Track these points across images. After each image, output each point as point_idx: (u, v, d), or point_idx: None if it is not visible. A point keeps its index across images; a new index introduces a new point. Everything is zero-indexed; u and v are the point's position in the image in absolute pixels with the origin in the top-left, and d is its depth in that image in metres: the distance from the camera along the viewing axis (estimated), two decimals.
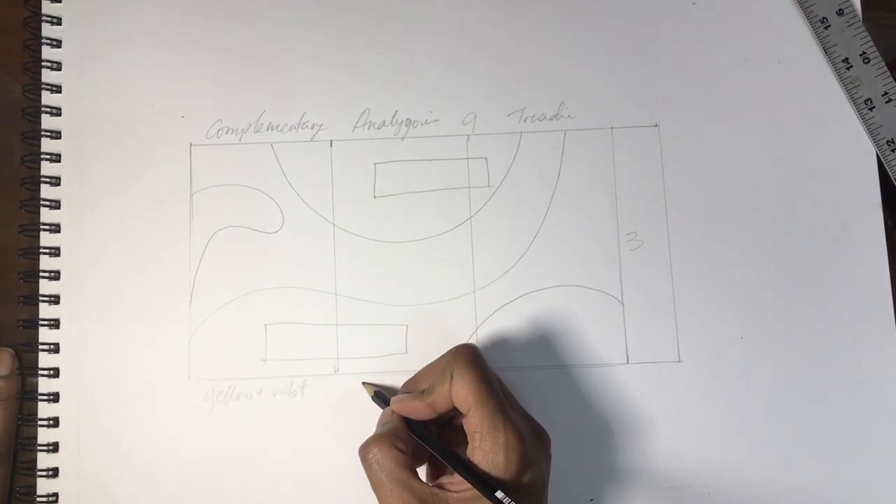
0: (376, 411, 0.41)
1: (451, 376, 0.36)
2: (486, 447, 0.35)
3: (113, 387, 0.42)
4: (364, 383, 0.42)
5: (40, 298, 0.43)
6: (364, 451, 0.36)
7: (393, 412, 0.38)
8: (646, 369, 0.43)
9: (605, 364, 0.43)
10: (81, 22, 0.45)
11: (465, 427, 0.36)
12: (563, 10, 0.45)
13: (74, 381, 0.42)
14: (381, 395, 0.41)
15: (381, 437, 0.36)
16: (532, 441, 0.36)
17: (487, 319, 0.43)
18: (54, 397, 0.42)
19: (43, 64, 0.44)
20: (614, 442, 0.42)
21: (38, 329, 0.43)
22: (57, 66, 0.44)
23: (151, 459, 0.42)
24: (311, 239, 0.43)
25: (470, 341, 0.43)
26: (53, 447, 0.42)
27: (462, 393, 0.35)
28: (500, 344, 0.43)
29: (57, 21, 0.45)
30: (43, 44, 0.45)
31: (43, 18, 0.45)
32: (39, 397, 0.42)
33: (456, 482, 0.35)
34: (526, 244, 0.43)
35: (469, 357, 0.36)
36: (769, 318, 0.43)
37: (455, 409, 0.37)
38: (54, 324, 0.43)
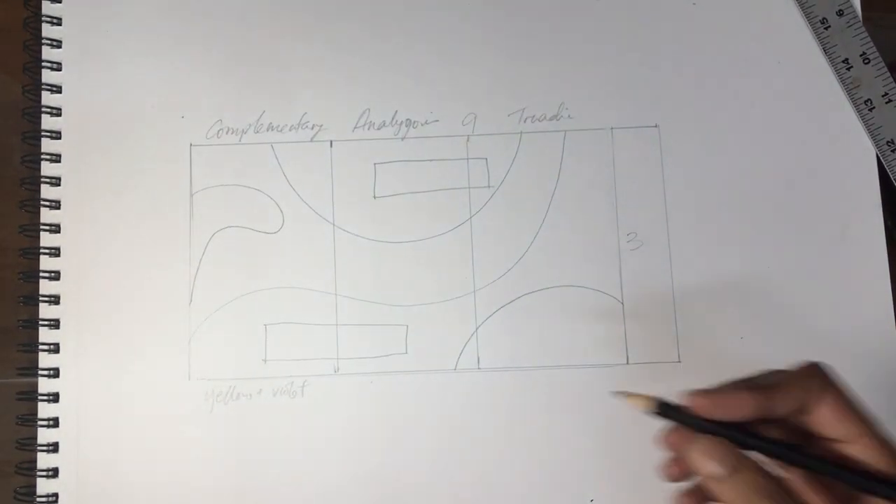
0: (376, 412, 0.41)
1: (819, 389, 0.31)
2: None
3: (113, 387, 0.42)
4: (630, 394, 0.32)
5: (40, 298, 0.43)
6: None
7: (734, 451, 0.29)
8: (646, 369, 0.43)
9: (605, 364, 0.43)
10: (81, 22, 0.45)
11: (831, 452, 0.30)
12: (563, 11, 0.45)
13: (74, 381, 0.42)
14: (669, 407, 0.31)
15: (747, 460, 0.29)
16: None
17: (487, 319, 0.43)
18: (54, 397, 0.42)
19: (43, 64, 0.44)
20: (614, 442, 0.42)
21: (38, 329, 0.43)
22: (57, 66, 0.44)
23: (151, 459, 0.42)
24: (311, 239, 0.43)
25: (470, 342, 0.43)
26: (53, 447, 0.42)
27: (844, 415, 0.30)
28: (500, 344, 0.43)
29: (57, 21, 0.45)
30: (43, 44, 0.44)
31: (43, 18, 0.45)
32: (39, 397, 0.42)
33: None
34: (526, 244, 0.43)
35: (837, 379, 0.31)
36: (769, 319, 0.43)
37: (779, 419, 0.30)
38: (54, 324, 0.43)
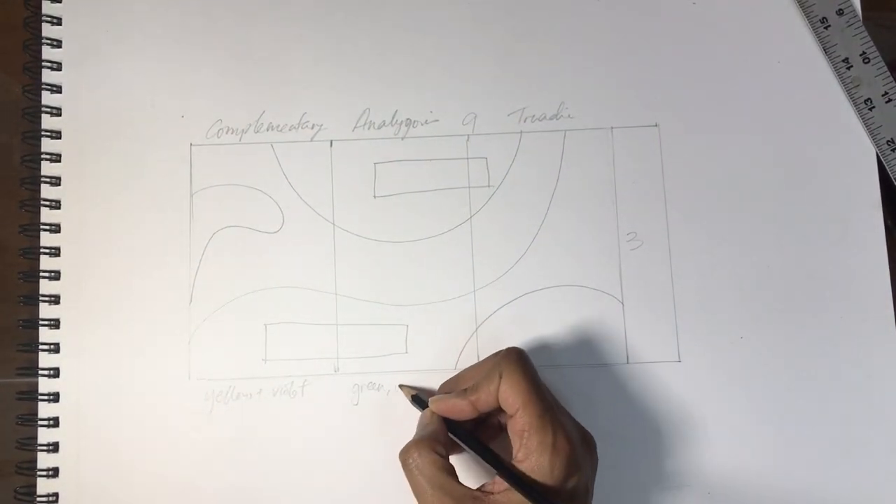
0: (375, 411, 0.41)
1: (500, 376, 0.36)
2: (533, 447, 0.34)
3: (113, 387, 0.42)
4: (401, 386, 0.42)
5: (40, 298, 0.43)
6: (404, 455, 0.36)
7: (432, 414, 0.38)
8: (646, 369, 0.43)
9: (605, 364, 0.43)
10: (81, 22, 0.45)
11: (510, 428, 0.36)
12: (563, 10, 0.45)
13: (74, 381, 0.42)
14: (420, 399, 0.40)
15: (421, 442, 0.36)
16: (580, 444, 0.36)
17: (487, 319, 0.43)
18: (54, 397, 0.42)
19: (43, 64, 0.44)
20: (613, 442, 0.42)
21: (38, 329, 0.43)
22: (57, 66, 0.44)
23: (151, 459, 0.42)
24: (311, 239, 0.43)
25: (470, 342, 0.43)
26: (53, 447, 0.42)
27: (511, 392, 0.35)
28: (500, 344, 0.42)
29: (57, 21, 0.45)
30: (43, 44, 0.45)
31: (43, 18, 0.45)
32: (39, 397, 0.42)
33: (497, 484, 0.35)
34: (526, 244, 0.43)
35: (518, 358, 0.36)
36: (769, 318, 0.43)
37: (496, 411, 0.37)
38: (54, 324, 0.43)
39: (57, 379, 0.42)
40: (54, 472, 0.42)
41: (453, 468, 0.36)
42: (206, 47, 0.45)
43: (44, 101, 0.44)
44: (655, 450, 0.42)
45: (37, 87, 0.44)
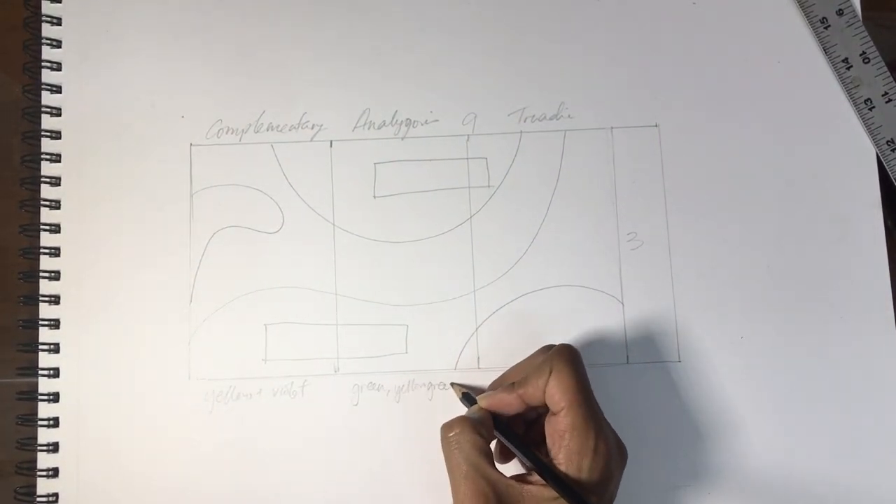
0: (375, 411, 0.41)
1: (550, 371, 0.35)
2: (574, 448, 0.34)
3: (113, 387, 0.42)
4: (453, 384, 0.42)
5: (40, 298, 0.43)
6: (446, 429, 0.36)
7: (479, 409, 0.37)
8: (646, 369, 0.43)
9: (605, 364, 0.43)
10: (81, 22, 0.45)
11: (550, 426, 0.35)
12: (563, 11, 0.45)
13: (74, 381, 0.42)
14: (470, 397, 0.40)
15: (465, 419, 0.36)
16: (616, 453, 0.35)
17: (487, 319, 0.43)
18: (54, 397, 0.42)
19: (43, 64, 0.44)
20: None
21: (38, 329, 0.43)
22: (57, 66, 0.44)
23: (151, 459, 0.42)
24: (311, 239, 0.43)
25: (470, 341, 0.43)
26: (53, 447, 0.42)
27: (558, 390, 0.35)
28: (500, 344, 0.43)
29: (57, 21, 0.45)
30: (43, 44, 0.45)
31: (43, 18, 0.45)
32: (39, 397, 0.42)
33: (531, 478, 0.35)
34: (526, 244, 0.43)
35: (570, 356, 0.36)
36: (769, 318, 0.43)
37: (542, 408, 0.36)
38: (54, 324, 0.43)
39: (57, 379, 0.42)
40: (54, 472, 0.42)
41: (491, 453, 0.35)
42: (206, 47, 0.45)
43: (44, 101, 0.44)
44: (655, 450, 0.42)
45: (37, 87, 0.44)
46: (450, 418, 0.37)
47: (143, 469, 0.42)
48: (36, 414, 0.42)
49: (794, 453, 0.42)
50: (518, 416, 0.38)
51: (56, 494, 0.42)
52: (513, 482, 0.34)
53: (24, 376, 0.43)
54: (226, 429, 0.42)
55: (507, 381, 0.38)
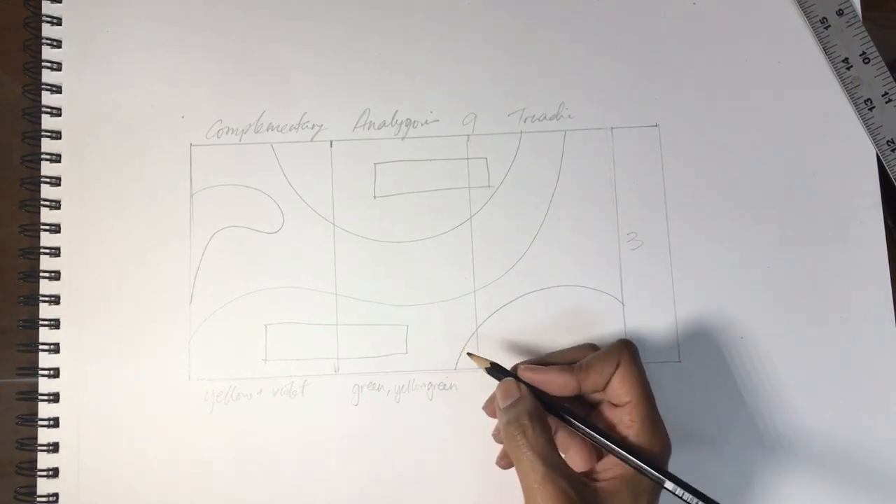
0: (375, 411, 0.41)
1: (618, 364, 0.36)
2: (645, 440, 0.34)
3: (113, 387, 0.42)
4: (470, 354, 0.39)
5: (40, 298, 0.43)
6: (513, 428, 0.34)
7: (517, 385, 0.36)
8: (646, 369, 0.42)
9: None
10: (81, 22, 0.45)
11: (612, 415, 0.36)
12: (564, 11, 0.45)
13: (74, 382, 0.42)
14: (500, 368, 0.37)
15: (533, 414, 0.34)
16: (668, 451, 0.36)
17: (487, 319, 0.43)
18: (54, 397, 0.42)
19: (43, 64, 0.44)
20: None
21: (38, 329, 0.43)
22: (57, 66, 0.44)
23: (152, 459, 0.42)
24: (311, 239, 0.43)
25: (470, 342, 0.43)
26: (53, 447, 0.42)
27: (627, 383, 0.35)
28: (500, 344, 0.43)
29: (57, 21, 0.45)
30: (43, 44, 0.45)
31: (43, 18, 0.45)
32: (39, 397, 0.42)
33: (603, 472, 0.35)
34: (526, 244, 0.43)
35: (636, 352, 0.37)
36: (769, 318, 0.43)
37: (583, 398, 0.37)
38: (54, 324, 0.43)
39: (57, 379, 0.42)
40: (54, 472, 0.42)
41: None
42: (206, 47, 0.45)
43: (44, 101, 0.44)
44: None
45: (37, 87, 0.44)
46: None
47: (143, 469, 0.42)
48: (36, 414, 0.42)
49: (794, 453, 0.42)
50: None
51: (56, 494, 0.42)
52: (586, 479, 0.34)
53: (24, 376, 0.43)
54: (226, 429, 0.42)
55: (553, 362, 0.38)
